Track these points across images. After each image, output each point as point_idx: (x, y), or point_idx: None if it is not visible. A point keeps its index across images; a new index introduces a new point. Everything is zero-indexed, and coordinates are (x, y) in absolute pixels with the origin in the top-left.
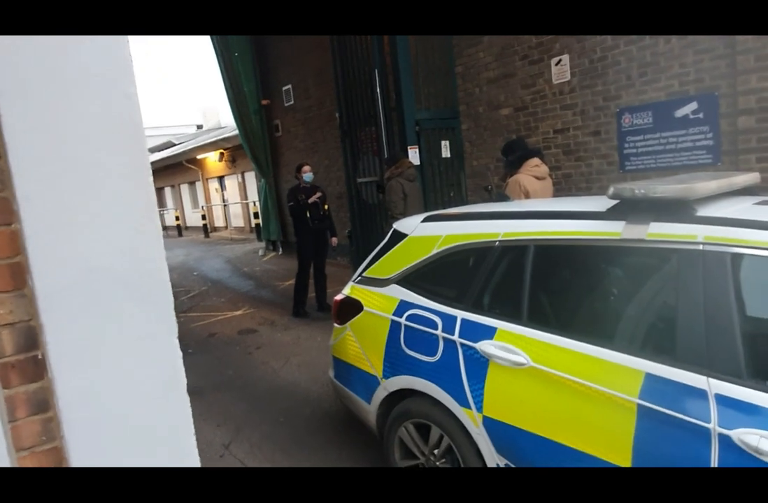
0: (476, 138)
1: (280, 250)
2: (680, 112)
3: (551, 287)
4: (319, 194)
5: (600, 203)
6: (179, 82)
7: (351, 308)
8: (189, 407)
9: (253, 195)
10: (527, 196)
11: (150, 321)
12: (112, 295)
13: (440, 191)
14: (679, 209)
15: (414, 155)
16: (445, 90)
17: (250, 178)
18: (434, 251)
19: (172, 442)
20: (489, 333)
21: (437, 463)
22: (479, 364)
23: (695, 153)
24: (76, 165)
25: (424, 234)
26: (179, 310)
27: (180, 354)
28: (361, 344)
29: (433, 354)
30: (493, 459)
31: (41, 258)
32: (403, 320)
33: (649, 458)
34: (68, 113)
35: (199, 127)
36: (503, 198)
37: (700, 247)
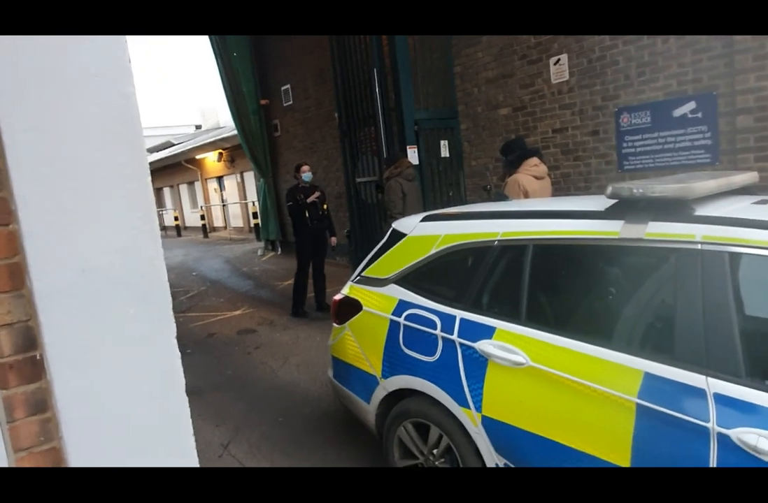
0: (475, 138)
1: (279, 249)
2: (678, 112)
3: (550, 287)
4: (317, 194)
5: (598, 203)
6: (178, 82)
7: (350, 308)
8: (188, 407)
9: (252, 195)
10: (526, 195)
11: (149, 322)
12: (110, 295)
13: (439, 191)
14: (677, 208)
15: (413, 155)
16: (444, 90)
17: (249, 178)
18: (433, 251)
19: (171, 442)
20: (488, 332)
21: (436, 463)
22: (478, 364)
23: (693, 152)
24: (74, 165)
25: (423, 233)
26: (178, 310)
27: (179, 354)
28: (360, 344)
29: (432, 353)
30: (492, 458)
31: (39, 258)
32: (402, 320)
33: (648, 457)
34: (66, 113)
35: (198, 127)
36: (502, 197)
37: (699, 246)
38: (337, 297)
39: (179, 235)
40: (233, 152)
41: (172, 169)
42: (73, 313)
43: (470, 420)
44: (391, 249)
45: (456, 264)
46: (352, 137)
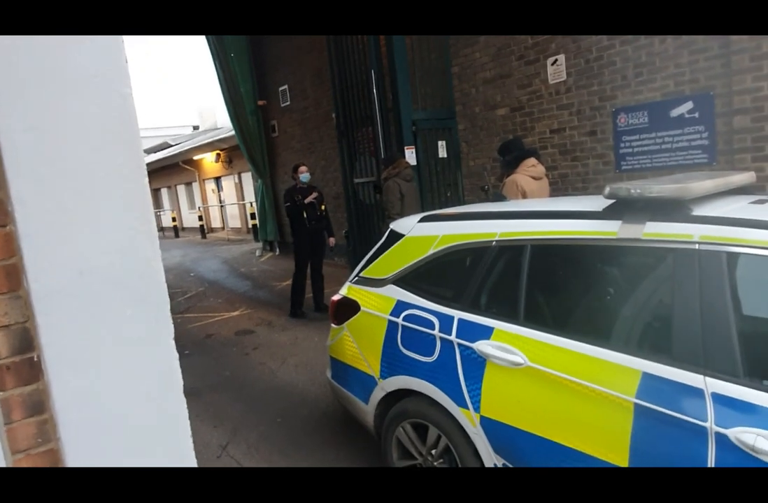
0: (473, 138)
1: (277, 250)
2: (676, 112)
3: (548, 287)
4: (315, 194)
5: (596, 203)
6: (178, 83)
7: (348, 308)
8: (186, 408)
9: (249, 195)
10: (524, 195)
11: (146, 323)
12: (107, 297)
13: (437, 191)
14: (674, 208)
15: (411, 155)
16: (442, 90)
17: (247, 178)
18: (431, 251)
19: (169, 444)
20: (486, 333)
21: (435, 463)
22: (476, 364)
23: (691, 152)
24: (71, 166)
25: (421, 234)
26: (176, 311)
27: (176, 355)
28: (359, 344)
29: (431, 354)
30: (490, 459)
31: (36, 259)
32: (400, 320)
33: (646, 457)
34: (65, 113)
35: (196, 127)
36: (500, 198)
37: (696, 246)
38: (336, 297)
39: (177, 235)
40: (231, 153)
41: (170, 170)
42: (70, 315)
43: (469, 420)
44: (389, 249)
45: (454, 265)
46: (350, 138)
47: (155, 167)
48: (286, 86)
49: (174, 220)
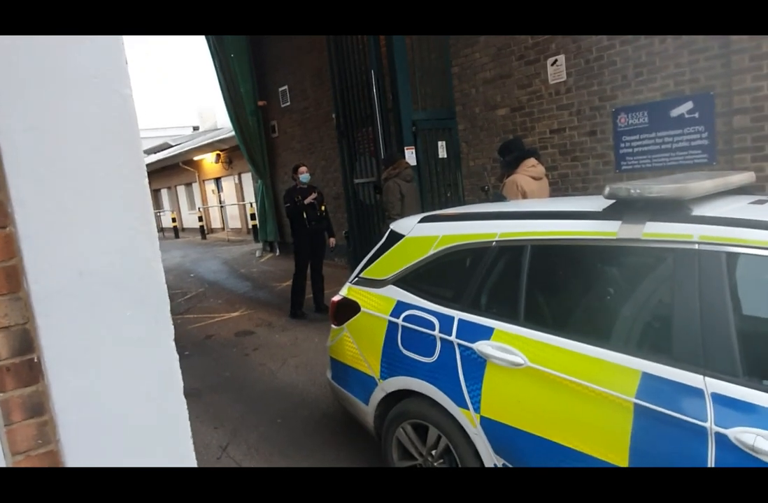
0: (473, 138)
1: (278, 251)
2: (676, 112)
3: (548, 287)
4: (314, 195)
5: (596, 203)
6: (178, 83)
7: (348, 309)
8: (186, 409)
9: (249, 196)
10: (524, 196)
11: (146, 324)
12: (107, 298)
13: (437, 192)
14: (674, 209)
15: (411, 156)
16: (442, 90)
17: (247, 179)
18: (431, 252)
19: (170, 445)
20: (486, 333)
21: (435, 464)
22: (476, 365)
23: (691, 152)
24: (71, 166)
25: (421, 234)
26: (176, 312)
27: (176, 356)
28: (359, 345)
29: (431, 354)
30: (490, 459)
31: (36, 261)
32: (400, 321)
33: (646, 457)
34: (64, 114)
35: (196, 128)
36: (500, 198)
37: (696, 246)
38: (336, 298)
39: (177, 236)
40: (231, 153)
41: (170, 171)
42: (70, 316)
43: (469, 421)
44: (390, 250)
45: (454, 265)
46: (350, 138)
47: (155, 168)
48: (286, 86)
49: (174, 220)
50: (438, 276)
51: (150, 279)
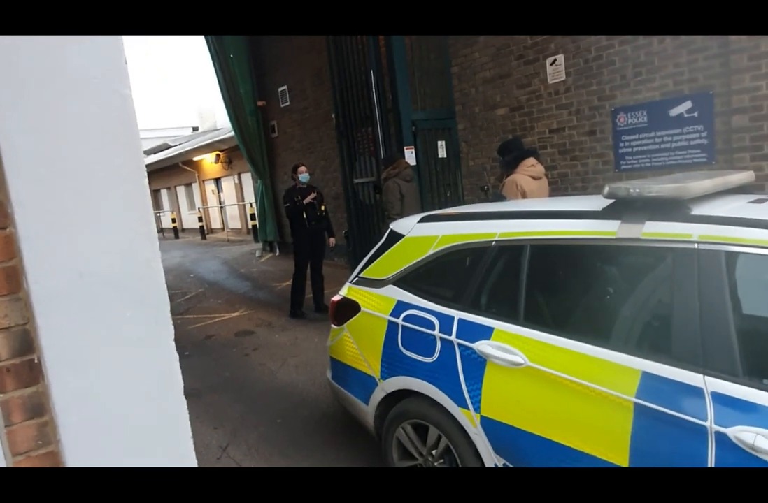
0: (472, 138)
1: (277, 251)
2: (675, 111)
3: (548, 287)
4: (313, 195)
5: (595, 202)
6: (178, 83)
7: (348, 309)
8: (186, 409)
9: (249, 196)
10: (524, 195)
11: (146, 324)
12: (107, 298)
13: (437, 191)
14: (673, 208)
15: (410, 156)
16: (441, 90)
17: (247, 179)
18: (431, 251)
19: (170, 445)
20: (486, 333)
21: (435, 464)
22: (476, 364)
23: (690, 152)
24: (71, 167)
25: (420, 234)
26: (176, 312)
27: (176, 356)
28: (359, 345)
29: (431, 354)
30: (491, 459)
31: (36, 261)
32: (400, 321)
33: (647, 456)
34: (64, 114)
35: (195, 128)
36: (500, 198)
37: (695, 245)
38: (336, 298)
39: (177, 236)
40: (230, 154)
41: (170, 171)
42: (70, 316)
43: (469, 420)
44: (389, 250)
45: (454, 265)
46: (350, 138)
47: (155, 168)
48: (285, 86)
49: (174, 221)
50: (438, 276)
51: (150, 279)
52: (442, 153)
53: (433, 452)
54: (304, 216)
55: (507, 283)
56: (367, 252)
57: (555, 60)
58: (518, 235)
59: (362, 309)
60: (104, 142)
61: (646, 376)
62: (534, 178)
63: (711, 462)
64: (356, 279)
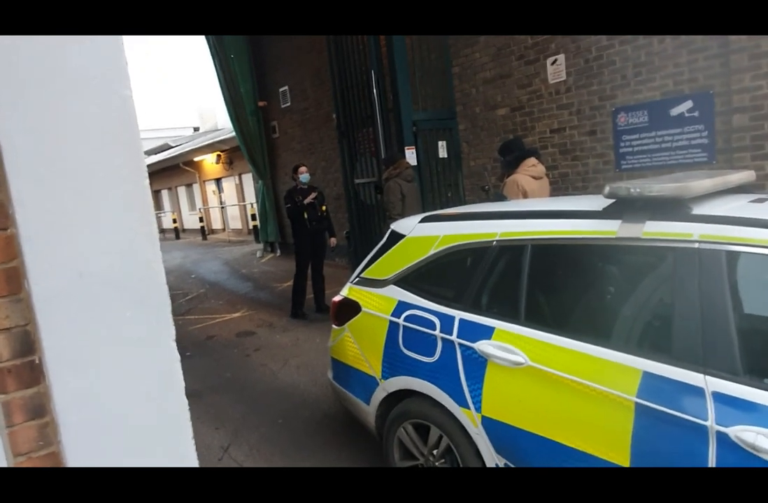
0: (473, 138)
1: (278, 251)
2: (675, 111)
3: (549, 286)
4: (314, 195)
5: (596, 202)
6: (178, 83)
7: (349, 309)
8: (187, 410)
9: (250, 197)
10: (525, 195)
11: (147, 325)
12: (109, 299)
13: (438, 191)
14: (674, 208)
15: (411, 156)
16: (442, 90)
17: (248, 179)
18: (432, 251)
19: (171, 446)
20: (487, 333)
21: (436, 463)
22: (477, 364)
23: (690, 151)
24: (71, 168)
25: (421, 234)
26: (177, 313)
27: (178, 357)
28: (360, 345)
29: (432, 354)
30: (492, 459)
31: (37, 262)
32: (401, 321)
33: (648, 456)
34: (64, 115)
35: (196, 129)
36: (501, 198)
37: (696, 245)
38: (337, 298)
39: (178, 237)
40: (231, 154)
41: (170, 172)
42: (71, 317)
43: (470, 420)
44: (390, 250)
45: (455, 265)
46: (351, 138)
47: (156, 169)
48: (286, 87)
49: (174, 221)
50: (439, 276)
51: (151, 280)
52: (443, 153)
53: (435, 452)
54: (305, 216)
55: (508, 283)
56: (368, 253)
57: (556, 60)
58: (519, 234)
59: (363, 309)
60: (104, 142)
61: (647, 376)
62: (535, 177)
63: (712, 462)
64: (357, 279)
